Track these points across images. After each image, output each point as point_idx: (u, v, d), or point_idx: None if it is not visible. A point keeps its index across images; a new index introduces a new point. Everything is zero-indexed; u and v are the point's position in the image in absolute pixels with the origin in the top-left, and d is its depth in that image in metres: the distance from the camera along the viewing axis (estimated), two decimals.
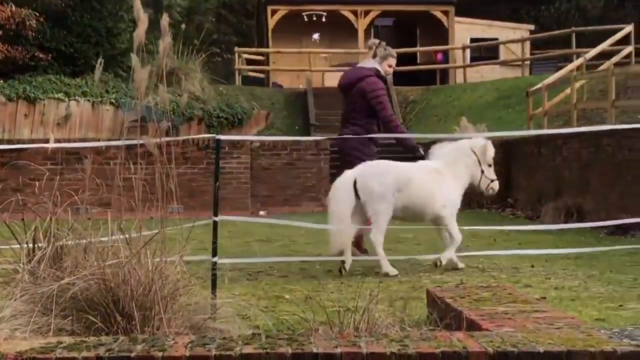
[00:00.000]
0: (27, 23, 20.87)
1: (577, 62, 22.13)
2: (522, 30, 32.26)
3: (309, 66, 27.81)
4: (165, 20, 4.71)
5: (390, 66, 9.48)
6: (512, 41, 29.95)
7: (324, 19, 31.21)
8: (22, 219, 4.95)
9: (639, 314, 5.29)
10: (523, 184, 17.36)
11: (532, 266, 8.17)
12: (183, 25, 24.67)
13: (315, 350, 3.29)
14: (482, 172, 8.32)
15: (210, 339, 3.49)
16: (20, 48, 21.03)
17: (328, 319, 4.18)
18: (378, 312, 4.15)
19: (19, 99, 20.63)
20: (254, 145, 18.08)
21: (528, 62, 29.23)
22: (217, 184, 6.00)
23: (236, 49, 30.06)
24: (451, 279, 7.28)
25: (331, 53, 30.58)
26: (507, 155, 18.39)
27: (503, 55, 30.80)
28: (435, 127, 22.77)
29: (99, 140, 16.53)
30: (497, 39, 30.84)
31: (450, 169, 8.20)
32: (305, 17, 31.30)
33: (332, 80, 28.79)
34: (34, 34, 21.25)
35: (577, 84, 18.39)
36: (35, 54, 21.36)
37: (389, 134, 9.11)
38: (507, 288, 5.13)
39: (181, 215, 4.73)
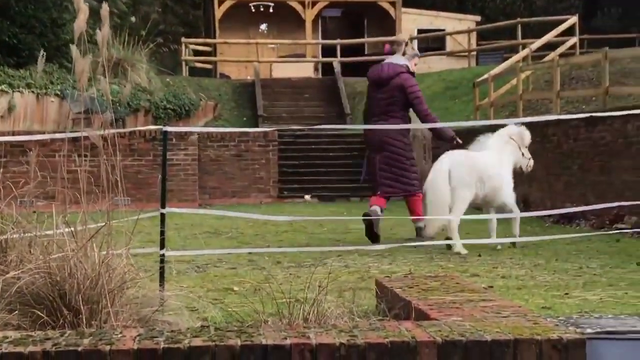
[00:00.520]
0: None
1: (522, 53, 22.33)
2: (469, 21, 32.47)
3: (256, 57, 27.72)
4: (105, 10, 4.64)
5: (415, 65, 10.33)
6: (459, 32, 30.15)
7: (271, 10, 31.11)
8: None
9: (584, 302, 5.35)
10: None
11: (480, 255, 8.24)
12: (133, 18, 24.42)
13: (264, 342, 3.28)
14: (523, 154, 9.38)
15: (159, 332, 3.46)
16: None
17: (277, 310, 4.17)
18: (327, 303, 4.15)
19: None
20: (194, 137, 17.97)
21: (474, 53, 29.45)
22: (164, 175, 5.95)
23: (183, 39, 29.81)
24: (399, 269, 7.31)
25: (279, 44, 30.52)
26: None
27: (450, 46, 30.97)
28: None
29: (43, 133, 16.32)
30: (444, 30, 31.03)
31: (502, 157, 9.22)
32: (252, 7, 31.17)
33: (280, 71, 28.81)
34: None
35: (523, 75, 18.55)
36: None
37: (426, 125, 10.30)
38: (455, 277, 5.17)
39: (128, 208, 4.68)
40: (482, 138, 9.41)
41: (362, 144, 20.88)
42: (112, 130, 4.72)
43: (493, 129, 9.76)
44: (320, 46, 30.34)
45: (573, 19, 24.16)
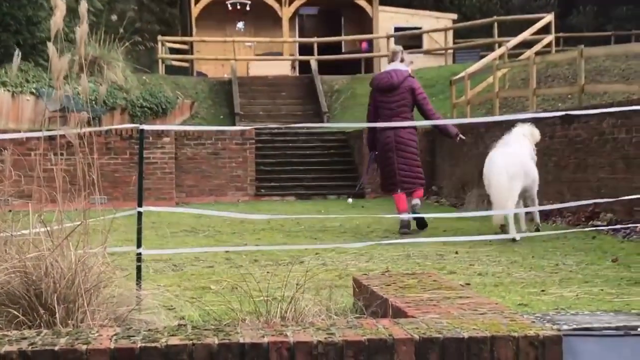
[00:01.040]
0: None
1: (499, 51, 22.41)
2: (446, 19, 32.52)
3: (233, 55, 27.66)
4: (83, 7, 4.61)
5: (411, 70, 11.25)
6: (436, 30, 30.20)
7: (248, 8, 31.05)
8: None
9: (560, 299, 5.38)
10: (447, 172, 17.55)
11: (457, 253, 8.26)
12: (114, 16, 24.25)
13: (242, 340, 3.27)
14: (534, 150, 10.28)
15: (135, 331, 3.45)
16: None
17: (255, 308, 4.17)
18: (305, 301, 4.15)
19: None
20: (170, 136, 17.91)
21: (451, 51, 29.51)
22: (141, 174, 5.92)
23: (159, 37, 29.64)
24: (377, 266, 7.32)
25: (256, 42, 30.49)
26: (431, 144, 18.59)
27: (427, 44, 31.01)
28: (361, 116, 22.85)
29: (19, 131, 16.22)
30: (420, 28, 31.07)
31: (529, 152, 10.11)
32: (229, 5, 31.11)
33: (257, 69, 28.77)
34: None
35: (499, 73, 18.61)
36: None
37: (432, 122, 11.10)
38: (432, 275, 5.18)
39: (105, 206, 4.66)
40: (506, 135, 10.23)
41: (342, 143, 21.11)
42: (89, 129, 4.70)
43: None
44: (297, 44, 30.31)
45: (549, 17, 24.29)
